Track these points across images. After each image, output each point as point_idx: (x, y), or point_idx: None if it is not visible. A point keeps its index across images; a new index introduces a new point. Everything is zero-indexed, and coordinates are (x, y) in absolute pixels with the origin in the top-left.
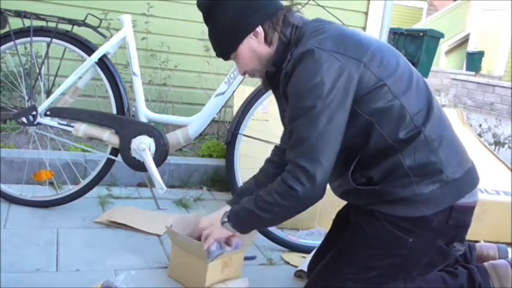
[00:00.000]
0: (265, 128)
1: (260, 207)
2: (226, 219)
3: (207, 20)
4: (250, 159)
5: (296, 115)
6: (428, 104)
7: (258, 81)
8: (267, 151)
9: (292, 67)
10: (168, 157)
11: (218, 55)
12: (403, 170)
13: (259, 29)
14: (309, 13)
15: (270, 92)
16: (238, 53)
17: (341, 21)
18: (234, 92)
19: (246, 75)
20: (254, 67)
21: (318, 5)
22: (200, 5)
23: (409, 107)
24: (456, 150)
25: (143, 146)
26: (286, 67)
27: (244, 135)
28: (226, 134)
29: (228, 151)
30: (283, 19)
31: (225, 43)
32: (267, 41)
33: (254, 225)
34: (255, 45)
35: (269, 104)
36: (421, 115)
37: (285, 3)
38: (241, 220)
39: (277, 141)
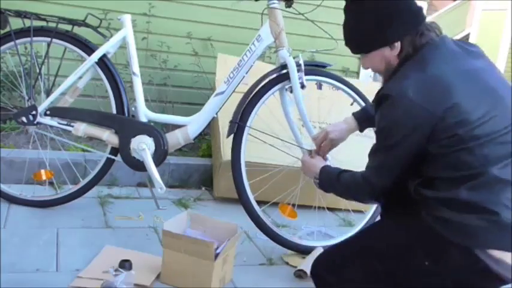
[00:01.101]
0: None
1: (336, 182)
2: (317, 180)
3: (348, 9)
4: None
5: (375, 141)
6: None
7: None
8: (266, 151)
9: (376, 104)
10: (168, 157)
11: (346, 45)
12: (458, 201)
13: (398, 44)
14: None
15: (282, 84)
16: (369, 55)
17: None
18: (233, 91)
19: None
20: (379, 70)
21: (320, 4)
22: None
23: (482, 156)
24: None
25: (143, 146)
26: (374, 99)
27: (253, 128)
28: (229, 125)
29: (234, 145)
30: (420, 35)
31: (357, 44)
32: (401, 54)
33: (328, 190)
34: (388, 54)
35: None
36: (493, 161)
37: (282, 3)
38: (322, 181)
39: (277, 140)
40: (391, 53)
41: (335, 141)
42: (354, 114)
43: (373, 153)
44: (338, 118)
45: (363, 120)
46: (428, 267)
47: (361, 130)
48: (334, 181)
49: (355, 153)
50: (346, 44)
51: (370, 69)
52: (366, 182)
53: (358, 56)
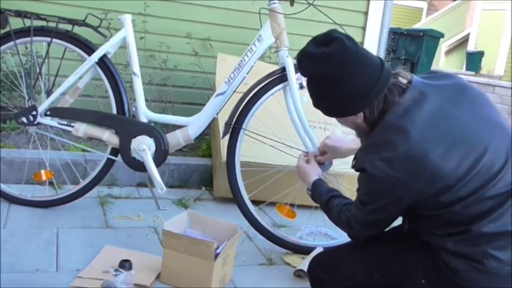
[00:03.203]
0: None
1: (325, 207)
2: (310, 192)
3: (312, 81)
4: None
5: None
6: (499, 203)
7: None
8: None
9: (355, 170)
10: (168, 157)
11: (316, 108)
12: (446, 249)
13: (360, 114)
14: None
15: (283, 84)
16: (339, 119)
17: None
18: (234, 92)
19: None
20: (352, 130)
21: (320, 11)
22: (308, 69)
23: (469, 214)
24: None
25: (143, 146)
26: (352, 165)
27: (248, 130)
28: (224, 127)
29: (229, 146)
30: (383, 99)
31: (327, 111)
32: (366, 120)
33: (318, 204)
34: (354, 120)
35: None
36: (479, 217)
37: (283, 3)
38: (313, 196)
39: (276, 141)
40: (356, 119)
41: (330, 149)
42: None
43: (356, 205)
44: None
45: None
46: (424, 285)
47: None
48: (323, 204)
49: None
50: (320, 110)
51: None
52: (349, 226)
53: None
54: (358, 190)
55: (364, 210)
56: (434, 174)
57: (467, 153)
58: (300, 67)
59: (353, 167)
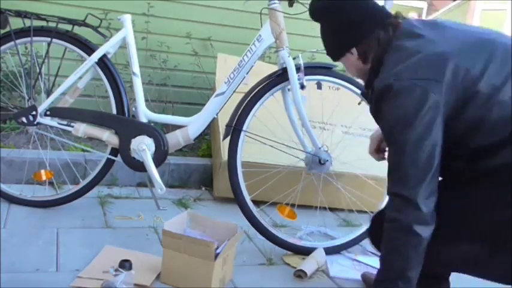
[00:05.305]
0: (264, 128)
1: (383, 256)
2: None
3: (318, 21)
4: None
5: (388, 144)
6: None
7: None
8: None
9: (376, 102)
10: (168, 157)
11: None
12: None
13: (354, 50)
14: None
15: (283, 84)
16: (342, 61)
17: None
18: (234, 92)
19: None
20: (356, 75)
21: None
22: (313, 9)
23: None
24: None
25: (143, 146)
26: (370, 98)
27: (249, 132)
28: (224, 129)
29: (230, 147)
30: (378, 39)
31: (329, 51)
32: (362, 59)
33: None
34: (353, 60)
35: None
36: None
37: (283, 3)
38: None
39: (275, 141)
40: (354, 58)
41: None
42: None
43: (397, 164)
44: (342, 118)
45: None
46: None
47: None
48: (382, 267)
49: (357, 154)
50: (327, 53)
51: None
52: (400, 202)
53: None
54: (391, 140)
55: (401, 150)
56: (454, 64)
57: (479, 53)
58: (310, 11)
59: (372, 98)
